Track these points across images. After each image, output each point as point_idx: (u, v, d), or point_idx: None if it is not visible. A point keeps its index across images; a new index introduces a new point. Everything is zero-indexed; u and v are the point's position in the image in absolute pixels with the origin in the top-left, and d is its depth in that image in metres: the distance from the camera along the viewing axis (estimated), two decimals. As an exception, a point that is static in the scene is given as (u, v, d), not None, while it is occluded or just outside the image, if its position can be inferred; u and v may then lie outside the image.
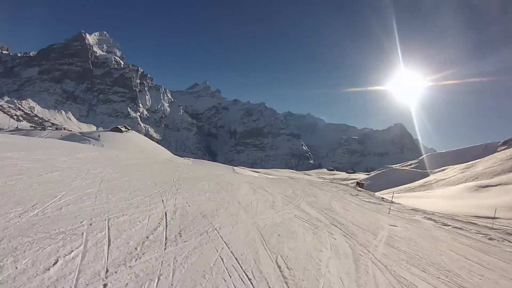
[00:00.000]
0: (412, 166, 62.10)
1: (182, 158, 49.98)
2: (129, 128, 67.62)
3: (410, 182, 37.28)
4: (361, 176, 69.21)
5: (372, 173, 72.64)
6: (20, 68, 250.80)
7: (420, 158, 69.62)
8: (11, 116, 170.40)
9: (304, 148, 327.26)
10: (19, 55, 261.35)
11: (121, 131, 59.25)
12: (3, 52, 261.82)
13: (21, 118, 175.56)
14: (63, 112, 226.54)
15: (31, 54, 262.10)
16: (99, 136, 48.24)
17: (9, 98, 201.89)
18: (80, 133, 60.16)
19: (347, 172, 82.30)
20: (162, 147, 60.07)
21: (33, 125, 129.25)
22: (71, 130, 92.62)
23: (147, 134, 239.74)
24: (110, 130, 62.50)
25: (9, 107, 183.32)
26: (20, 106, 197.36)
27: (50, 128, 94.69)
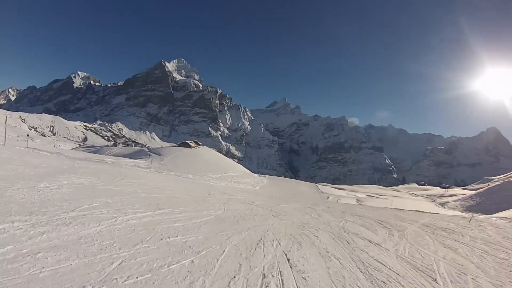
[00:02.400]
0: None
1: (258, 174, 48.37)
2: (200, 143, 63.24)
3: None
4: (457, 190, 56.64)
5: (474, 187, 61.01)
6: (110, 96, 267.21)
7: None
8: (103, 137, 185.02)
9: (387, 161, 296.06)
10: (109, 85, 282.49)
11: (189, 146, 55.45)
12: (96, 84, 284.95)
13: (111, 138, 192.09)
14: (148, 133, 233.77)
15: (118, 84, 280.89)
16: (161, 152, 44.34)
17: (101, 122, 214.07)
18: (148, 148, 59.38)
19: (441, 187, 68.90)
20: (237, 163, 55.12)
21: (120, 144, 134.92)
22: (141, 145, 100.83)
23: (228, 152, 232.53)
24: (178, 145, 59.15)
25: (101, 129, 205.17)
26: (110, 128, 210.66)
27: (122, 145, 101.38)
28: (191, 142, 60.97)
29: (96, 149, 53.28)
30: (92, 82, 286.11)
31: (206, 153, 51.12)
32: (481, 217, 15.87)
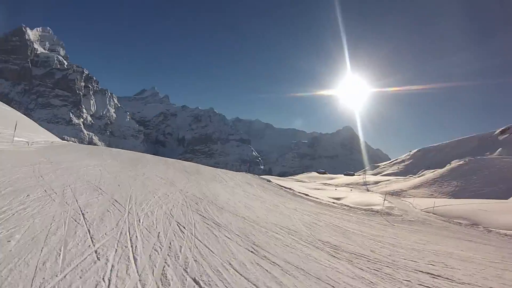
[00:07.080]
0: (404, 164, 63.76)
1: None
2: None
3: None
4: (372, 177, 52.71)
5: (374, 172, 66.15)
6: None
7: (411, 153, 67.95)
8: None
9: (254, 153, 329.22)
10: None
11: None
12: None
13: None
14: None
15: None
16: None
17: None
18: None
19: (346, 174, 64.41)
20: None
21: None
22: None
23: (90, 142, 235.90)
24: None
25: None
26: None
27: None
28: None
29: None
30: None
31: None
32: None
